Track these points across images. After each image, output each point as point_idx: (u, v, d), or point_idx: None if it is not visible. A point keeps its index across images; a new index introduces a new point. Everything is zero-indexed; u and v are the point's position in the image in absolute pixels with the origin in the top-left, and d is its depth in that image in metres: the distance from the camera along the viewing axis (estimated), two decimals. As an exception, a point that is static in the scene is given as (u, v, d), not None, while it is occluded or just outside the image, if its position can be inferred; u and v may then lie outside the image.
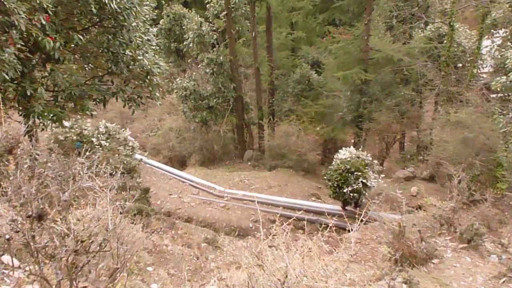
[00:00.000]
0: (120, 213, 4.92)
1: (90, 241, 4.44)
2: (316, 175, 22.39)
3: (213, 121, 26.07)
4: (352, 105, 22.68)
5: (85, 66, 12.25)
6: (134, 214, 9.63)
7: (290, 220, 5.99)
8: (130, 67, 11.86)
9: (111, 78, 12.16)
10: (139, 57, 11.86)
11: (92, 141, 14.77)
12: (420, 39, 22.77)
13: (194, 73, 26.09)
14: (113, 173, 6.00)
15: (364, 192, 15.18)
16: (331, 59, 24.91)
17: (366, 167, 15.49)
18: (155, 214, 13.16)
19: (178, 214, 17.30)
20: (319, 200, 18.37)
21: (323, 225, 6.08)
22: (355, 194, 15.19)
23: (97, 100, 11.95)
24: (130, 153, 15.84)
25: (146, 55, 12.16)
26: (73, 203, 5.15)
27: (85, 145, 16.36)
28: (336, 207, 16.42)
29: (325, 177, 16.29)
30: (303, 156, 22.24)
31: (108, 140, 15.43)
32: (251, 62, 25.99)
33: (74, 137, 15.01)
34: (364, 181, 15.02)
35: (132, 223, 7.60)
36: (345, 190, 14.94)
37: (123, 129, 16.68)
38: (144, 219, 10.24)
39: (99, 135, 15.50)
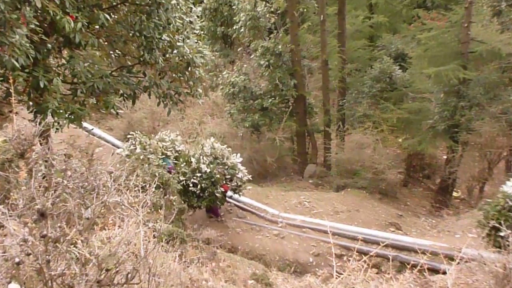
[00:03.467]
0: (154, 236, 4.97)
1: (116, 270, 4.50)
2: (396, 200, 22.06)
3: (266, 127, 26.15)
4: (446, 111, 22.16)
5: (112, 53, 12.41)
6: (167, 240, 9.72)
7: (368, 256, 5.89)
8: (167, 55, 12.00)
9: (142, 69, 12.34)
10: (178, 43, 11.95)
11: (191, 162, 16.84)
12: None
13: (245, 66, 26.32)
14: (145, 187, 6.07)
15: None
16: (420, 51, 24.56)
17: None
18: (192, 240, 13.25)
19: (220, 242, 17.36)
20: (400, 232, 18.07)
21: (407, 264, 6.00)
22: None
23: (125, 95, 12.07)
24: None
25: (187, 41, 12.26)
26: (97, 221, 5.23)
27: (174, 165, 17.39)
28: (426, 242, 16.11)
29: (481, 212, 14.52)
30: (380, 175, 21.91)
31: (211, 166, 16.88)
32: (318, 53, 25.99)
33: (159, 150, 16.24)
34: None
35: (165, 250, 7.69)
36: (502, 234, 13.87)
37: (234, 154, 18.19)
38: (179, 246, 10.32)
39: (201, 157, 17.00)
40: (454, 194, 24.48)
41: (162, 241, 6.97)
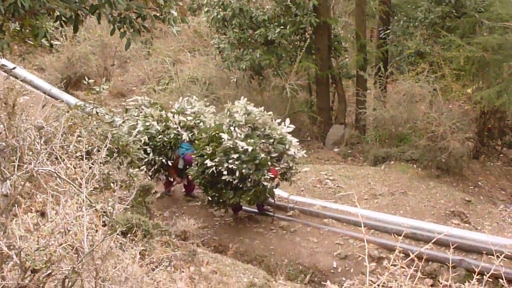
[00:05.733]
0: (104, 224, 4.94)
1: (48, 272, 4.50)
2: (462, 178, 22.06)
3: (273, 69, 26.14)
4: (542, 48, 22.15)
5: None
6: (124, 232, 9.72)
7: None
8: (126, -40, 11.94)
9: (89, -20, 12.29)
10: None
11: (221, 140, 15.97)
12: None
13: (241, -21, 26.19)
14: (92, 153, 6.06)
15: None
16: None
17: None
18: (161, 234, 13.31)
19: (202, 237, 17.45)
20: (468, 226, 18.13)
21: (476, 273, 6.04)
22: None
23: (63, 18, 12.01)
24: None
25: None
26: (21, 200, 5.21)
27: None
28: (506, 241, 16.14)
29: None
30: (439, 142, 21.91)
31: (251, 141, 16.04)
32: (349, -41, 25.85)
33: (173, 131, 16.18)
34: None
35: (121, 246, 7.69)
36: None
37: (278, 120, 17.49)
38: (142, 241, 10.33)
39: (234, 128, 16.35)
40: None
41: (116, 233, 6.95)
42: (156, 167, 17.08)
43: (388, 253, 15.82)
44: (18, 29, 11.66)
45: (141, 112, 17.34)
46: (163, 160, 16.98)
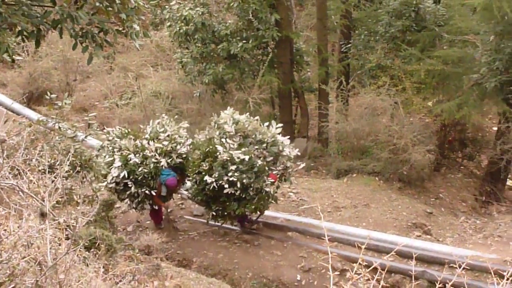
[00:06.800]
0: (67, 238, 4.93)
1: (11, 286, 4.48)
2: (424, 190, 22.25)
3: (235, 83, 26.20)
4: (499, 62, 22.24)
5: (6, -30, 12.33)
6: (88, 247, 9.70)
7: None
8: (88, -25, 11.93)
9: (51, -6, 12.25)
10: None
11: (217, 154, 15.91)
12: None
13: (204, -7, 26.26)
14: (55, 167, 6.05)
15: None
16: (461, -28, 24.67)
17: None
18: (124, 248, 13.27)
19: (165, 251, 17.40)
20: (429, 237, 18.25)
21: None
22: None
23: (25, 33, 11.99)
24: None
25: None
26: (-17, 213, 5.19)
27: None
28: (467, 252, 16.26)
29: None
30: (401, 155, 22.07)
31: (245, 149, 15.92)
32: (310, -26, 26.01)
33: (152, 160, 15.98)
34: None
35: (84, 261, 7.68)
36: None
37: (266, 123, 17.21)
38: (105, 256, 10.30)
39: (225, 140, 16.14)
40: (509, 182, 24.76)
41: (79, 246, 6.93)
42: (139, 198, 16.89)
43: (351, 266, 15.87)
44: (-21, 44, 11.58)
45: (114, 145, 17.11)
46: (146, 191, 16.76)
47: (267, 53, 25.87)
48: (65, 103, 16.60)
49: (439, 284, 6.23)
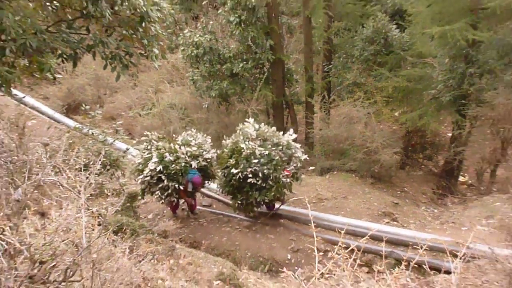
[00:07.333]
0: (99, 224, 4.91)
1: (53, 263, 4.45)
2: (391, 185, 22.20)
3: (237, 97, 26.15)
4: (452, 79, 22.17)
5: (48, 4, 12.18)
6: (115, 231, 9.67)
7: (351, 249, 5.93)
8: (116, 7, 11.81)
9: (86, 23, 12.14)
10: (130, -7, 11.81)
11: (242, 151, 16.09)
12: None
13: (211, 22, 26.17)
14: (88, 166, 6.02)
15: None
16: (422, 7, 24.55)
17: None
18: (145, 232, 13.21)
19: (179, 235, 17.35)
20: (396, 223, 18.20)
21: (404, 262, 6.09)
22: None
23: (64, 56, 11.88)
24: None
25: (141, -10, 12.11)
26: (30, 204, 5.16)
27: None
28: (427, 235, 16.23)
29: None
30: (372, 155, 21.99)
31: (263, 150, 16.11)
32: (299, 8, 25.96)
33: (183, 160, 16.15)
34: None
35: (113, 243, 7.64)
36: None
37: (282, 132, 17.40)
38: (130, 239, 10.26)
39: (248, 141, 16.35)
40: (461, 178, 24.75)
41: (109, 231, 6.91)
42: (169, 191, 16.85)
43: (332, 247, 15.79)
44: (27, 64, 11.53)
45: (152, 145, 17.09)
46: (176, 185, 16.74)
47: (263, 72, 25.78)
48: (97, 113, 16.60)
49: (405, 262, 6.24)
